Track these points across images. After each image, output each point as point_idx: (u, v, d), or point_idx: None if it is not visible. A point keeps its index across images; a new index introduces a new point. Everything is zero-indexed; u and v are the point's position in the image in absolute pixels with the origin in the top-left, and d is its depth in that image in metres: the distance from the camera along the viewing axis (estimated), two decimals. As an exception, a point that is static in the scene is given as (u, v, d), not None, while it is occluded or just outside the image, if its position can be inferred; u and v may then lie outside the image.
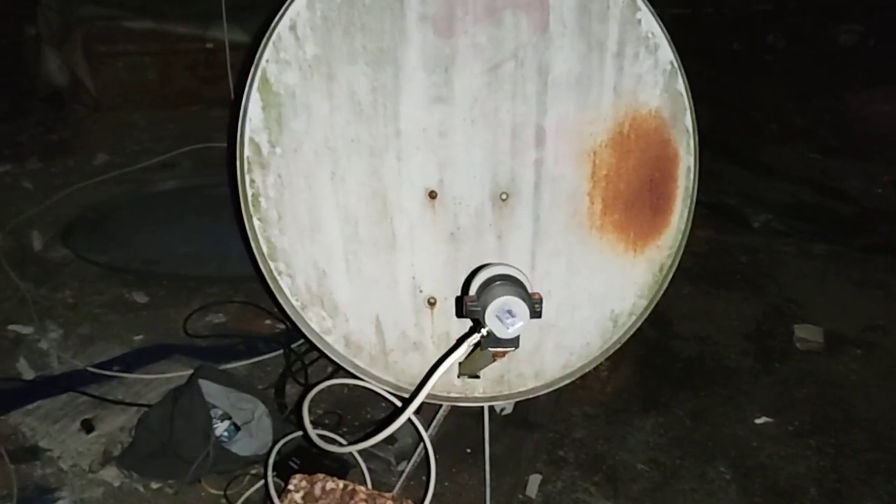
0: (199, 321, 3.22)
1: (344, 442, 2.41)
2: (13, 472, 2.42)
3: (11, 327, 3.12)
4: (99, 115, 5.02)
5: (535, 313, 1.57)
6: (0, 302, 3.26)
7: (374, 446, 2.34)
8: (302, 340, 2.93)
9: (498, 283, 1.61)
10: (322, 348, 2.19)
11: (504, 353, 1.66)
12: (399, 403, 2.28)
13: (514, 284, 1.61)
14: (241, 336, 3.14)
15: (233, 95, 3.89)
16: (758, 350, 3.18)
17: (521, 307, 1.53)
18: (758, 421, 2.80)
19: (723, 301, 3.51)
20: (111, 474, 2.46)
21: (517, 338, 1.61)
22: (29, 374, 2.88)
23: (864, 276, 3.68)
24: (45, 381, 2.83)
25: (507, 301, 1.54)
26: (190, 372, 2.64)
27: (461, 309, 1.80)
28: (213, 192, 3.74)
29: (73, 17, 4.97)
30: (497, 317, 1.54)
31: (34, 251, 3.66)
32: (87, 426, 2.62)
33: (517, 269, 1.70)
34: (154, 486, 2.42)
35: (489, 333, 1.57)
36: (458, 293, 2.07)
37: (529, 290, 1.63)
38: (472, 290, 1.67)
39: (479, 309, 1.58)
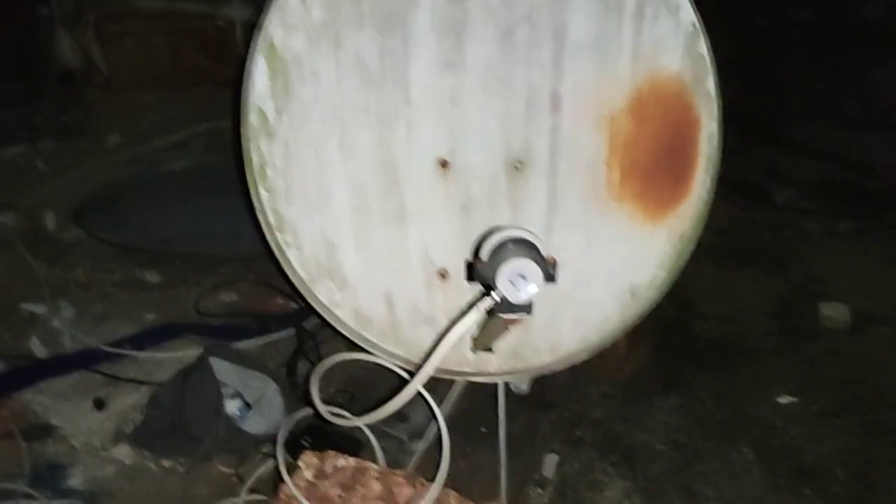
0: (211, 300, 3.21)
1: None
2: (25, 449, 2.43)
3: (25, 306, 3.13)
4: (111, 95, 5.01)
5: (550, 277, 1.50)
6: (13, 281, 3.27)
7: (386, 424, 2.31)
8: (315, 319, 2.90)
9: (510, 245, 1.55)
10: (331, 322, 2.15)
11: (517, 321, 1.60)
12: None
13: (527, 247, 1.54)
14: (252, 315, 3.12)
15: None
16: (782, 329, 3.11)
17: (534, 270, 1.46)
18: (782, 401, 2.73)
19: (746, 279, 3.44)
20: (123, 452, 2.46)
21: (530, 303, 1.54)
22: (42, 353, 2.89)
23: (892, 252, 3.59)
24: (57, 360, 2.84)
25: (520, 264, 1.47)
26: (202, 351, 2.62)
27: (472, 273, 1.75)
28: (225, 172, 3.70)
29: (86, -2, 4.96)
30: (509, 280, 1.48)
31: (47, 231, 3.67)
32: (99, 404, 2.62)
33: (530, 231, 1.64)
34: (165, 464, 2.42)
35: (501, 298, 1.51)
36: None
37: (543, 254, 1.56)
38: (483, 253, 1.61)
39: (490, 272, 1.51)
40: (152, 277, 3.33)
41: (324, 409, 2.07)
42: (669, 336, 3.05)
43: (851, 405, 2.70)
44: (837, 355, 2.95)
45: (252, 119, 1.86)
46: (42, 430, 2.53)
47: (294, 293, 2.92)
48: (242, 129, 1.88)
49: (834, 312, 3.15)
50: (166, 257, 3.42)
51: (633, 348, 2.90)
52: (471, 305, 1.56)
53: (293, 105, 1.87)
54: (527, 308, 1.54)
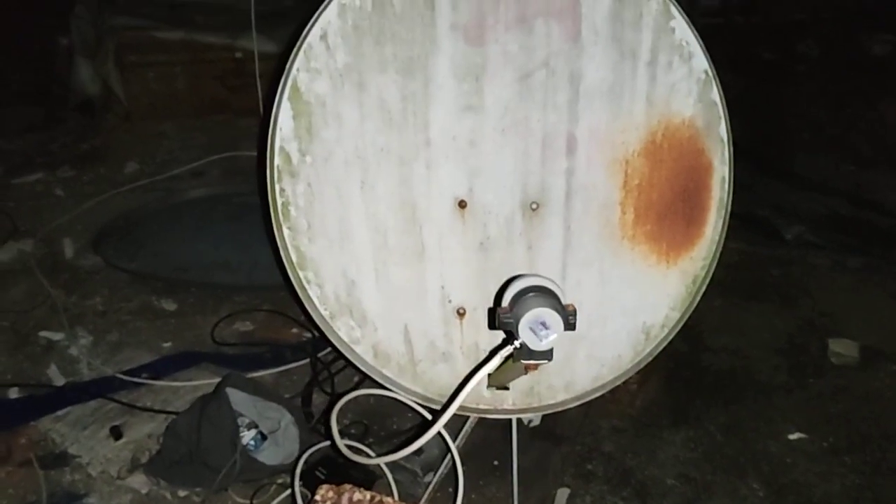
0: (227, 329, 3.23)
1: (372, 453, 2.40)
2: (42, 477, 2.45)
3: (43, 334, 3.16)
4: (130, 124, 5.08)
5: (570, 325, 1.54)
6: (32, 309, 3.30)
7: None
8: (329, 349, 2.93)
9: (531, 294, 1.59)
10: (351, 358, 2.18)
11: (536, 366, 1.64)
12: (427, 414, 2.26)
13: (547, 296, 1.59)
14: (268, 344, 3.14)
15: (261, 105, 3.91)
16: (791, 364, 3.12)
17: (555, 319, 1.51)
18: (791, 436, 2.74)
19: (755, 314, 3.45)
20: (139, 481, 2.47)
21: (550, 350, 1.58)
22: (59, 381, 2.91)
23: (901, 289, 3.60)
24: (74, 388, 2.86)
25: (541, 313, 1.51)
26: (217, 380, 2.65)
27: (494, 320, 1.79)
28: (241, 201, 3.76)
29: (105, 28, 5.04)
30: (531, 329, 1.52)
31: (65, 258, 3.71)
32: (116, 433, 2.63)
33: (551, 280, 1.68)
34: (181, 493, 2.43)
35: (522, 346, 1.55)
36: (488, 303, 2.05)
37: (563, 302, 1.60)
38: (505, 302, 1.65)
39: (512, 321, 1.55)
40: (169, 306, 3.36)
41: (345, 448, 2.10)
42: (680, 370, 3.07)
43: (860, 442, 2.71)
44: (846, 392, 2.96)
45: (276, 160, 1.91)
46: (59, 459, 2.54)
47: (309, 323, 2.96)
48: (268, 170, 1.93)
49: (843, 349, 3.16)
50: (183, 286, 3.46)
51: (643, 382, 2.93)
52: (493, 352, 1.60)
53: (316, 146, 1.91)
54: (547, 355, 1.58)
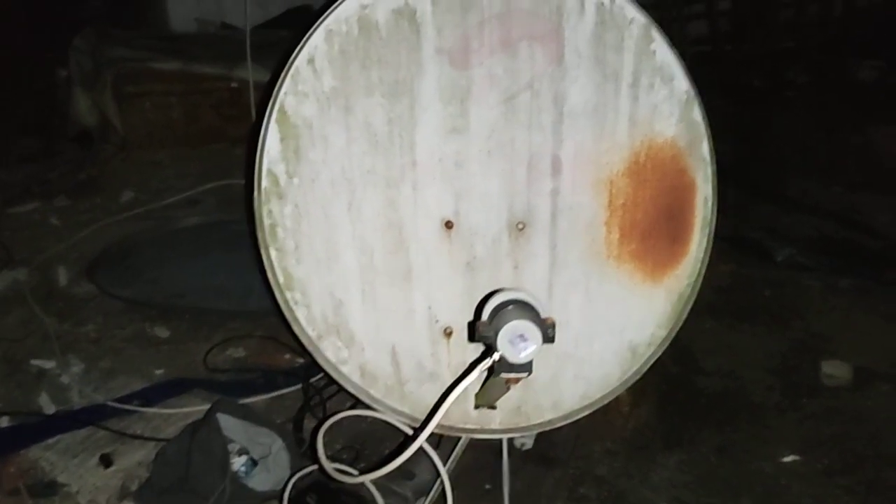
0: (220, 355, 3.22)
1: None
2: (31, 506, 2.43)
3: (34, 362, 3.15)
4: (126, 153, 5.12)
5: (548, 338, 1.56)
6: (24, 337, 3.30)
7: (391, 482, 2.32)
8: (321, 374, 2.92)
9: (510, 307, 1.61)
10: (337, 379, 2.18)
11: (517, 380, 1.64)
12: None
13: (526, 309, 1.60)
14: (260, 370, 3.13)
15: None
16: (784, 386, 3.11)
17: (533, 331, 1.52)
18: (785, 458, 2.73)
19: (747, 336, 3.45)
20: (128, 509, 2.45)
21: (530, 363, 1.59)
22: (50, 409, 2.89)
23: (893, 310, 3.60)
24: (65, 416, 2.84)
25: (519, 325, 1.53)
26: (209, 406, 2.63)
27: (473, 334, 1.80)
28: (235, 228, 3.77)
29: (104, 60, 5.10)
30: (509, 341, 1.53)
31: (59, 286, 3.71)
32: (106, 461, 2.62)
33: (530, 294, 1.69)
34: (170, 520, 2.41)
35: (501, 358, 1.56)
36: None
37: (542, 315, 1.62)
38: (485, 315, 1.67)
39: (490, 334, 1.57)
40: (162, 332, 3.36)
41: (329, 467, 2.09)
42: (672, 392, 3.06)
43: (854, 463, 2.69)
44: (840, 413, 2.94)
45: (264, 182, 1.93)
46: (48, 487, 2.51)
47: (301, 349, 2.96)
48: (255, 192, 1.95)
49: (835, 370, 3.15)
50: (177, 312, 3.46)
51: (636, 405, 2.92)
52: (472, 365, 1.61)
53: (303, 168, 1.94)
54: (527, 368, 1.59)
